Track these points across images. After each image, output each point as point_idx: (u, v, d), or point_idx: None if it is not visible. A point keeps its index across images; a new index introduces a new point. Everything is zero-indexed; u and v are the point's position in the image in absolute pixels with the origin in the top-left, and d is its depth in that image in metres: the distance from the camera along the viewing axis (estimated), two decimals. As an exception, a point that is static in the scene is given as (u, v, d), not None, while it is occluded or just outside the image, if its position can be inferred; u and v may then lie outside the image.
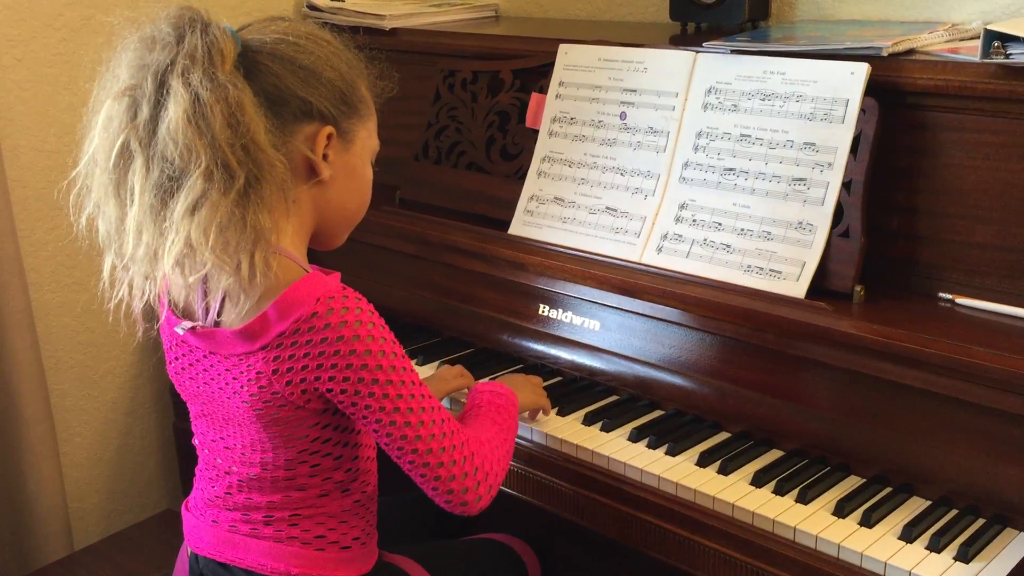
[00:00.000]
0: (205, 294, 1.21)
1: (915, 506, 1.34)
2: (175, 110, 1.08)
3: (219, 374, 1.22)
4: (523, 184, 1.82)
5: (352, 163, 1.23)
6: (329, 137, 1.19)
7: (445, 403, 1.61)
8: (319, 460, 1.24)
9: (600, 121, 1.76)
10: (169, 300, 1.26)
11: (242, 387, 1.19)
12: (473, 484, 1.21)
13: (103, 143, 1.13)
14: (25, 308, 1.96)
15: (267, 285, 1.14)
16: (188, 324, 1.22)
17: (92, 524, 2.23)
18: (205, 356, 1.23)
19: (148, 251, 1.13)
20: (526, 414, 1.56)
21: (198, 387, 1.26)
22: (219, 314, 1.20)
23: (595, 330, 1.66)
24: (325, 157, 1.19)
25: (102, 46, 1.18)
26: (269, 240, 1.13)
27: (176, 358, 1.27)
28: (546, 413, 1.57)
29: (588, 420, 1.56)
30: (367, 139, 1.26)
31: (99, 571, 1.94)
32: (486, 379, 1.67)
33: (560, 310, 1.70)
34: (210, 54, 1.10)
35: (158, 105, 1.10)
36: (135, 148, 1.11)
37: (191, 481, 2.30)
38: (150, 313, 1.26)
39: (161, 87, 1.10)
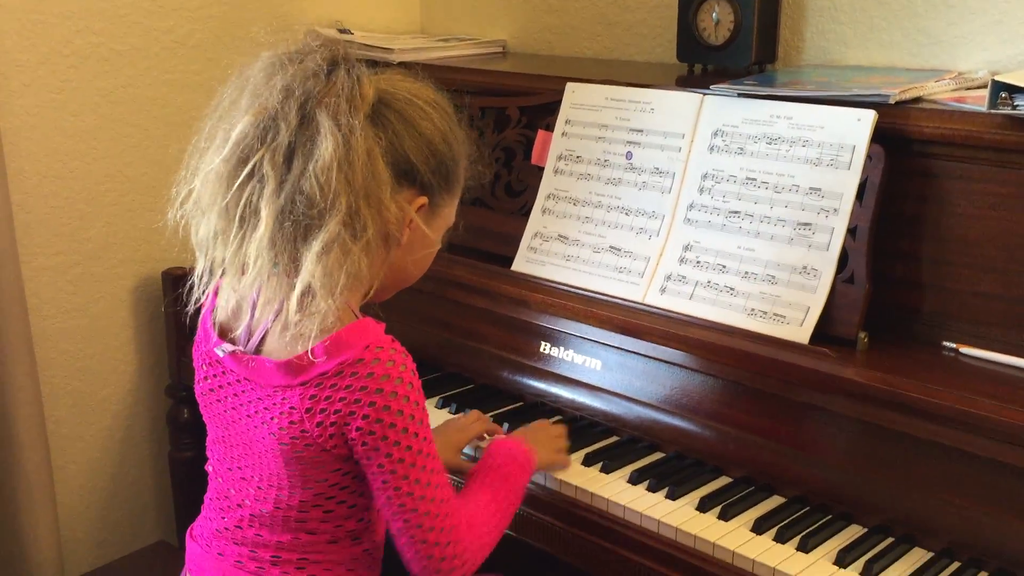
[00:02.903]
0: (251, 317, 1.21)
1: (917, 558, 1.33)
2: (327, 150, 1.09)
3: (250, 401, 1.21)
4: (527, 221, 1.82)
5: (430, 233, 1.24)
6: (421, 207, 1.20)
7: (468, 450, 1.59)
8: (333, 507, 1.23)
9: (606, 160, 1.76)
10: (212, 320, 1.26)
11: (272, 419, 1.18)
12: (448, 568, 1.21)
13: (231, 155, 1.14)
14: (25, 333, 1.95)
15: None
16: (230, 347, 1.22)
17: (84, 553, 2.20)
18: (238, 381, 1.22)
19: (257, 276, 1.14)
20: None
21: (224, 411, 1.25)
22: (261, 342, 1.20)
23: (596, 369, 1.65)
24: (410, 223, 1.20)
25: (242, 58, 1.19)
26: (361, 284, 1.17)
27: (206, 378, 1.27)
28: (565, 466, 1.53)
29: (588, 461, 1.55)
30: (449, 215, 1.27)
31: (89, 602, 1.92)
32: (491, 413, 1.65)
33: (562, 348, 1.69)
34: (352, 96, 1.12)
35: (301, 135, 1.11)
36: (268, 171, 1.12)
37: (186, 513, 2.29)
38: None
39: (306, 118, 1.11)
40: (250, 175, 1.13)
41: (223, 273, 1.21)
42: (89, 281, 2.12)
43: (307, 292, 1.12)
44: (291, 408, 1.16)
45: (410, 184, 1.18)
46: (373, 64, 1.22)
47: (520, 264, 1.80)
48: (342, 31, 2.32)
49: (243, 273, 1.16)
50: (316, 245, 1.11)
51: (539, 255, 1.79)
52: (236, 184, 1.13)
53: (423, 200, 1.20)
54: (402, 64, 2.13)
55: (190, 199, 1.19)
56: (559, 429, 1.56)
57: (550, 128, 1.85)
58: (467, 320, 1.82)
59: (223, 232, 1.16)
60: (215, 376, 1.25)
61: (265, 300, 1.17)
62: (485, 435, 1.60)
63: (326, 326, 1.13)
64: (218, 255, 1.18)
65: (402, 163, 1.17)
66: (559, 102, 1.84)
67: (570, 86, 1.83)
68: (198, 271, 1.22)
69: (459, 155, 1.24)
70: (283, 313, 1.16)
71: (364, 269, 1.14)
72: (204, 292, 1.24)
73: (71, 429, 2.15)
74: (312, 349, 1.14)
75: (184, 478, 2.24)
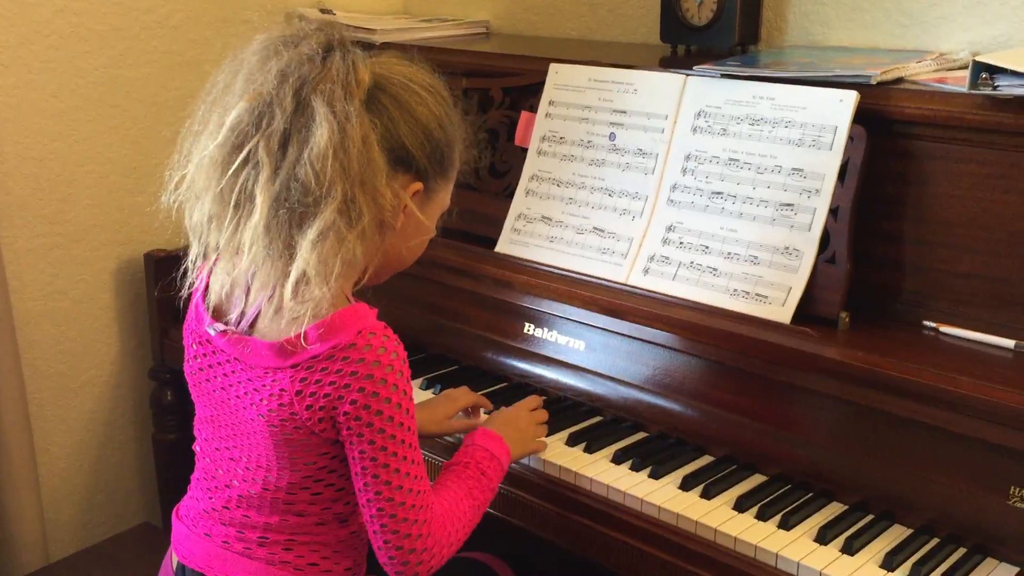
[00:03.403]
0: (244, 299, 1.20)
1: (896, 534, 1.34)
2: (322, 136, 1.09)
3: (239, 382, 1.21)
4: (511, 202, 1.82)
5: (424, 218, 1.23)
6: (416, 193, 1.20)
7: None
8: (321, 489, 1.23)
9: (589, 141, 1.76)
10: (204, 299, 1.25)
11: (262, 400, 1.18)
12: (416, 561, 1.21)
13: (226, 140, 1.13)
14: (6, 315, 1.94)
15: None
16: (221, 326, 1.21)
17: (68, 535, 2.20)
18: (229, 361, 1.22)
19: (252, 262, 1.13)
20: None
21: (214, 391, 1.25)
22: (252, 323, 1.20)
23: (580, 350, 1.66)
24: (404, 208, 1.19)
25: (234, 40, 1.18)
26: (355, 270, 1.16)
27: (196, 357, 1.26)
28: (541, 451, 1.53)
29: (571, 441, 1.56)
30: (444, 199, 1.27)
31: (74, 584, 1.92)
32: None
33: (545, 329, 1.70)
34: (348, 81, 1.11)
35: (296, 121, 1.10)
36: (263, 158, 1.11)
37: (170, 495, 2.29)
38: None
39: (301, 104, 1.10)
40: (245, 161, 1.12)
41: (217, 256, 1.20)
42: (71, 263, 2.11)
43: (302, 278, 1.12)
44: (281, 390, 1.16)
45: (405, 170, 1.18)
46: (369, 47, 1.21)
47: (504, 246, 1.80)
48: (324, 11, 2.31)
49: (237, 258, 1.16)
50: (311, 232, 1.10)
51: (523, 236, 1.79)
52: (231, 170, 1.12)
53: (418, 186, 1.20)
54: (385, 45, 2.12)
55: (184, 183, 1.18)
56: (541, 415, 1.56)
57: (533, 109, 1.85)
58: (451, 301, 1.82)
59: (218, 217, 1.15)
60: (205, 355, 1.25)
61: (259, 285, 1.17)
62: (470, 411, 1.60)
63: (319, 311, 1.13)
64: (212, 240, 1.17)
65: (397, 149, 1.16)
66: (542, 83, 1.84)
67: (553, 67, 1.83)
68: (192, 255, 1.22)
69: (454, 140, 1.23)
70: (275, 296, 1.15)
71: (359, 256, 1.14)
72: (197, 276, 1.24)
73: (54, 411, 2.14)
74: (305, 333, 1.14)
75: (168, 460, 2.24)
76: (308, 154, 1.09)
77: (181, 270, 1.24)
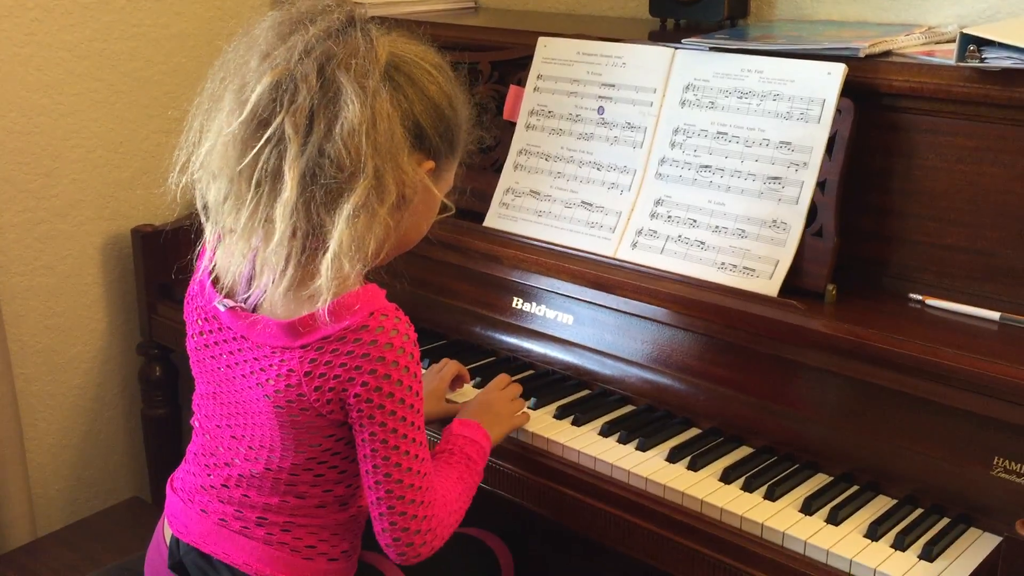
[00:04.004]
0: (251, 276, 1.18)
1: (881, 504, 1.35)
2: (353, 113, 1.08)
3: (245, 361, 1.20)
4: (499, 176, 1.82)
5: (432, 198, 1.23)
6: (429, 171, 1.19)
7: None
8: (324, 471, 1.23)
9: (577, 115, 1.76)
10: (212, 275, 1.24)
11: (268, 380, 1.17)
12: (420, 543, 1.21)
13: (251, 117, 1.11)
14: (-8, 291, 1.93)
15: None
16: (231, 302, 1.20)
17: (56, 511, 2.20)
18: (235, 339, 1.20)
19: (279, 240, 1.11)
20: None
21: (218, 368, 1.23)
22: (262, 301, 1.18)
23: (568, 324, 1.66)
24: (419, 187, 1.18)
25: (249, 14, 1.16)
26: (377, 249, 1.15)
27: (201, 333, 1.25)
28: (522, 424, 1.54)
29: (560, 414, 1.56)
30: (450, 179, 1.26)
31: (63, 557, 1.93)
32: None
33: (534, 303, 1.70)
34: (367, 56, 1.10)
35: (322, 97, 1.09)
36: (290, 134, 1.09)
37: (158, 469, 2.29)
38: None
39: (327, 80, 1.09)
40: (269, 138, 1.10)
41: (229, 234, 1.18)
42: (57, 238, 2.10)
43: (337, 255, 1.11)
44: (289, 371, 1.15)
45: (419, 148, 1.18)
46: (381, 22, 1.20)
47: (492, 220, 1.80)
48: (311, -15, 2.29)
49: (255, 236, 1.14)
50: (347, 208, 1.09)
51: (511, 211, 1.79)
52: (255, 148, 1.10)
53: (431, 164, 1.19)
54: (373, 19, 2.10)
55: (197, 162, 1.16)
56: (514, 390, 1.55)
57: (522, 83, 1.84)
58: (439, 276, 1.82)
59: (236, 196, 1.13)
60: (211, 332, 1.23)
61: (277, 262, 1.13)
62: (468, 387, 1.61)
63: (345, 289, 1.13)
64: (228, 219, 1.15)
65: (414, 127, 1.16)
66: (531, 57, 1.83)
67: (542, 40, 1.82)
68: (207, 234, 1.21)
69: (462, 119, 1.23)
70: (287, 274, 1.13)
71: (388, 232, 1.14)
72: (201, 253, 1.24)
73: (41, 387, 2.14)
74: (321, 311, 1.12)
75: (156, 435, 2.25)
76: (339, 130, 1.08)
77: (197, 251, 1.23)
